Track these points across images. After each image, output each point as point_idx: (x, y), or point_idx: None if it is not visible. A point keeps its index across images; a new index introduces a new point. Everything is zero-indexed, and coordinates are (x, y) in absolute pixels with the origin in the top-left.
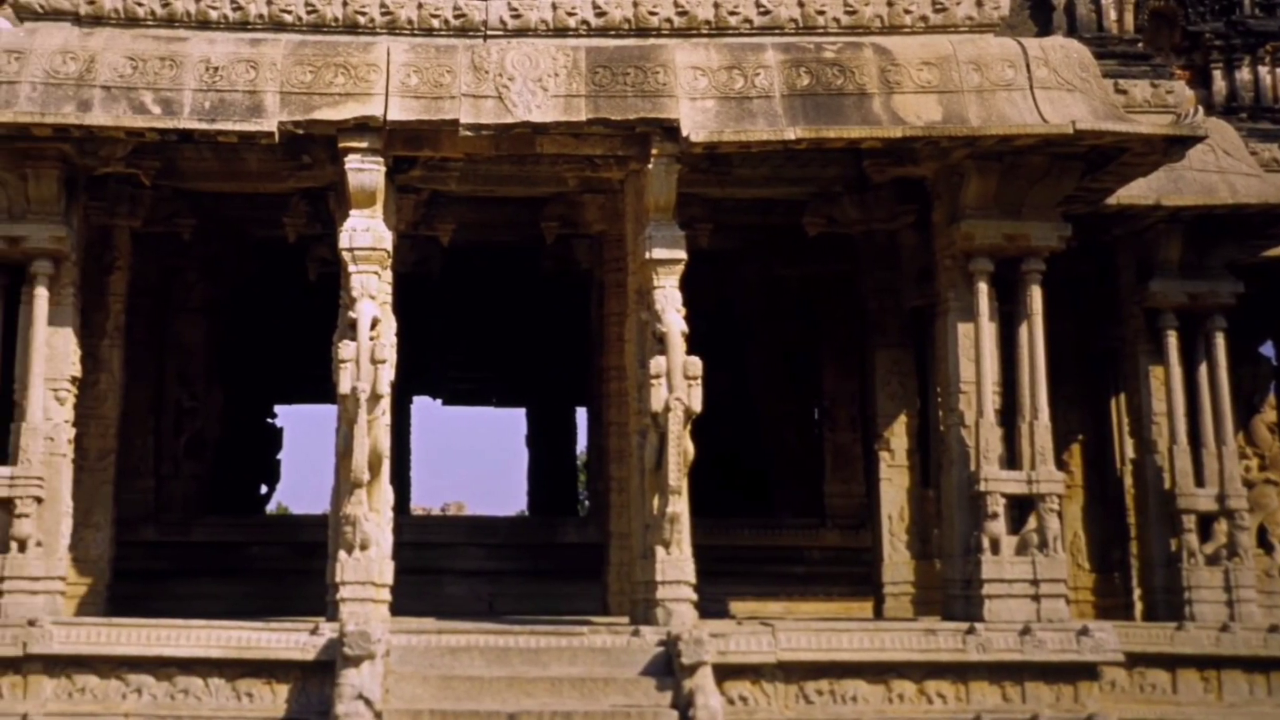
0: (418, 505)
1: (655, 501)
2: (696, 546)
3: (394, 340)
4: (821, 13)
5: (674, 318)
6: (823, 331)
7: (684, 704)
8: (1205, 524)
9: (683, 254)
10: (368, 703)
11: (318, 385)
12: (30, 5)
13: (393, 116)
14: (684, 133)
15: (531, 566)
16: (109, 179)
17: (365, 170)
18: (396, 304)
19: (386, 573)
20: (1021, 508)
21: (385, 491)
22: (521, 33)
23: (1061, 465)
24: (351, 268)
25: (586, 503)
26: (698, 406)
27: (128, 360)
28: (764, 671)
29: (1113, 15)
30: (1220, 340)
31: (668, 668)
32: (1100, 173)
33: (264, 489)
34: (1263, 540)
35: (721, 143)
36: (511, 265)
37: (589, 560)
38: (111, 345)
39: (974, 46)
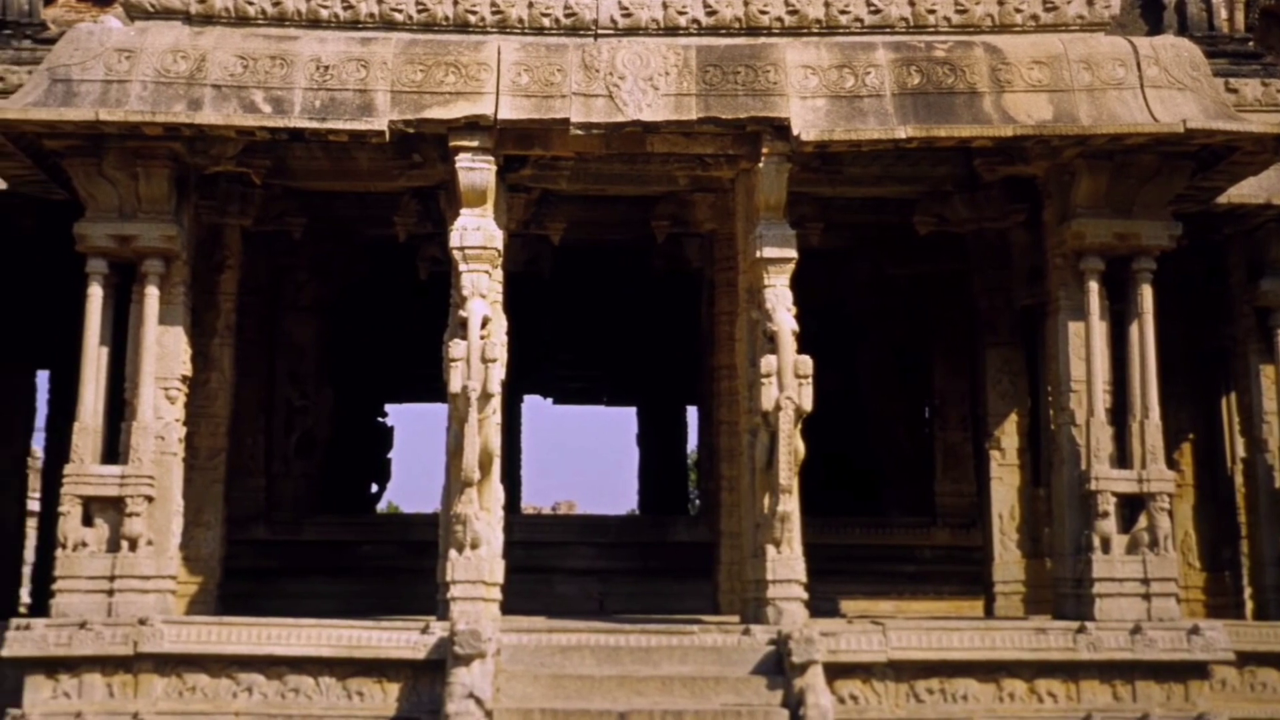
0: (528, 504)
1: (766, 500)
2: (807, 545)
3: (505, 339)
4: (932, 11)
5: (785, 316)
6: (933, 330)
7: (794, 703)
8: None
9: (793, 253)
10: (478, 701)
11: (428, 384)
12: (141, 4)
13: (503, 115)
14: (795, 131)
15: (642, 565)
16: (219, 178)
17: (476, 169)
18: (507, 303)
19: (497, 571)
20: (1132, 506)
21: (496, 490)
22: (632, 31)
23: (1172, 464)
24: (462, 267)
25: (697, 501)
26: (808, 405)
27: (238, 359)
28: (875, 670)
29: (1223, 14)
30: None
31: (778, 666)
32: (1211, 172)
33: (374, 488)
34: None
35: (832, 142)
36: (622, 264)
37: (699, 559)
38: (222, 344)
39: (1085, 45)
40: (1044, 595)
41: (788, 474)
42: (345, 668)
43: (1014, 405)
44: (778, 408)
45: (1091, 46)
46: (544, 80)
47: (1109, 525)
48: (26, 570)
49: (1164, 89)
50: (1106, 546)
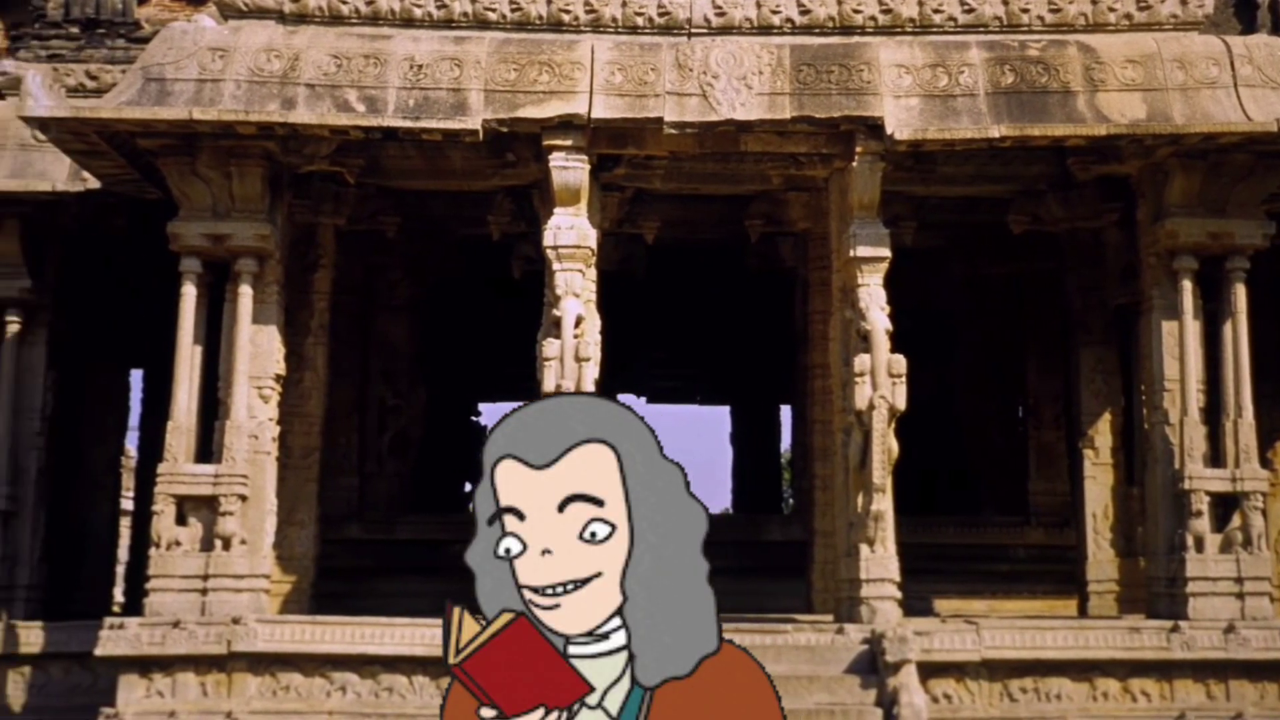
0: None
1: (859, 499)
2: (900, 544)
3: (598, 338)
4: (1025, 11)
5: (878, 315)
6: (1027, 329)
7: (888, 701)
8: None
9: (887, 252)
10: None
11: (521, 383)
12: (235, 4)
13: (597, 114)
14: (888, 130)
15: (736, 564)
16: (313, 177)
17: (569, 168)
18: (601, 302)
19: None
20: (1225, 505)
21: None
22: (725, 31)
23: (1265, 463)
24: (556, 266)
25: (790, 500)
26: (902, 404)
27: (332, 358)
28: (968, 669)
29: None
30: None
31: (872, 665)
32: None
33: (468, 487)
34: None
35: (926, 141)
36: (716, 263)
37: (793, 558)
38: (316, 343)
39: (1178, 44)
40: (1138, 594)
41: (881, 473)
42: (439, 667)
43: (1108, 404)
44: (871, 407)
45: (1185, 45)
46: (637, 79)
47: (1202, 524)
48: (120, 569)
49: (1258, 88)
50: (1200, 545)
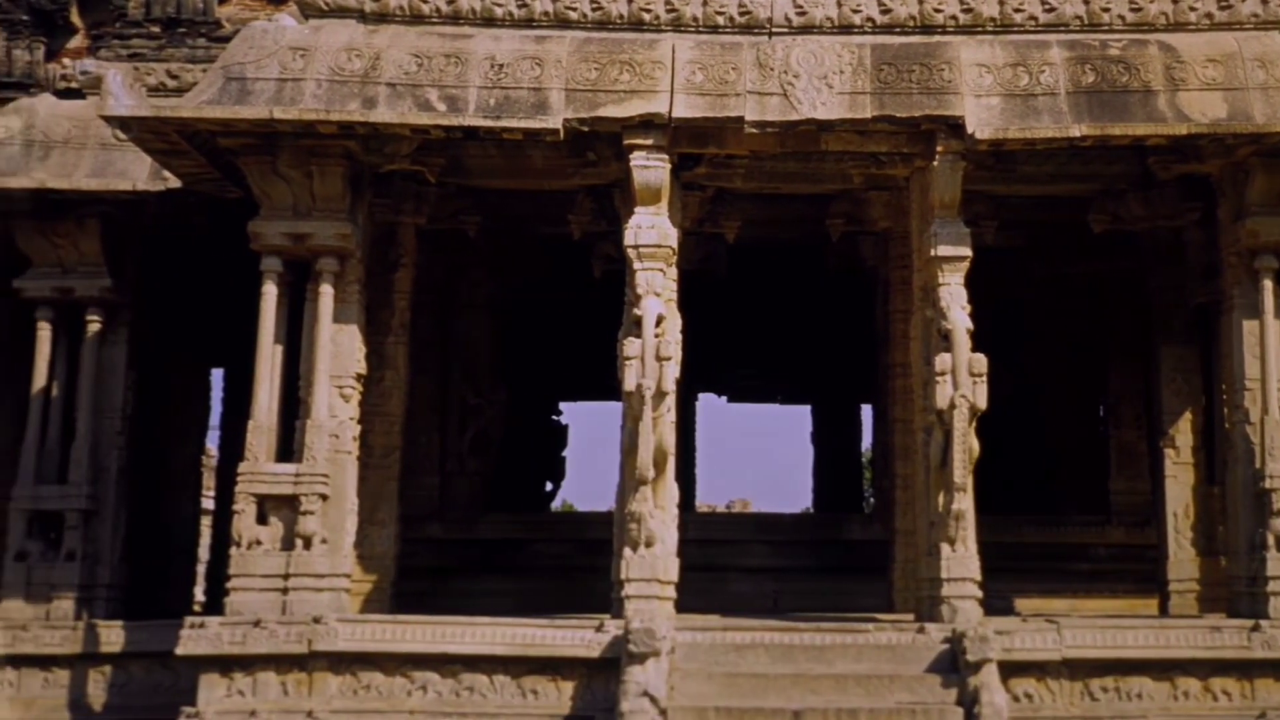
0: (703, 502)
1: (940, 498)
2: (981, 543)
3: (679, 337)
4: (1106, 10)
5: (959, 315)
6: (1107, 328)
7: (969, 701)
8: None
9: (968, 251)
10: (653, 700)
11: (602, 382)
12: (315, 3)
13: (678, 114)
14: (969, 130)
15: (816, 563)
16: (394, 176)
17: (650, 167)
18: (682, 301)
19: (671, 570)
20: None
21: (670, 488)
22: (806, 30)
23: None
24: (637, 265)
25: (871, 499)
26: (983, 403)
27: (412, 357)
28: (1049, 668)
29: None
30: None
31: (953, 665)
32: None
33: (549, 486)
34: None
35: (1006, 140)
36: (797, 262)
37: (874, 557)
38: (397, 342)
39: (1259, 44)
40: (1219, 593)
41: (962, 472)
42: (519, 666)
43: (1189, 403)
44: (952, 406)
45: (1266, 45)
46: (718, 78)
47: None
48: (201, 569)
49: None
50: None
